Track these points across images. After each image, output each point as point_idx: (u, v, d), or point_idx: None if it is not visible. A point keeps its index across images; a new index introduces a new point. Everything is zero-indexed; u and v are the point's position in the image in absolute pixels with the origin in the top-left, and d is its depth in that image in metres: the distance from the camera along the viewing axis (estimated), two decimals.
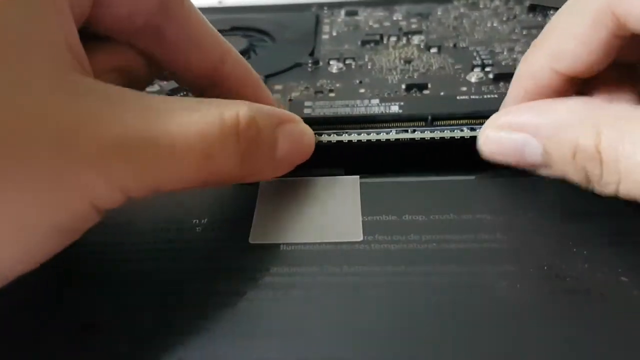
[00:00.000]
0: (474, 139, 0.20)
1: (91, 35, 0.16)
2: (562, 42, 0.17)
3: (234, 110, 0.15)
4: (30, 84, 0.12)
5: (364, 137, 0.20)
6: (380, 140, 0.20)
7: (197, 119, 0.14)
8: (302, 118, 0.22)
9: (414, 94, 0.26)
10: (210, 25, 0.18)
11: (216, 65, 0.18)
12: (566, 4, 0.18)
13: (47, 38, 0.13)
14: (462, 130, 0.20)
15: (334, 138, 0.20)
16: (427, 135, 0.20)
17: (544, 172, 0.17)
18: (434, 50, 0.31)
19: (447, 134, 0.20)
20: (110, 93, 0.13)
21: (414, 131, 0.20)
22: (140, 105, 0.14)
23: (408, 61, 0.29)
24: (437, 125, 0.22)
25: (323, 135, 0.20)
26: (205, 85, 0.19)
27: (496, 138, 0.17)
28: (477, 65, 0.28)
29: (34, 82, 0.12)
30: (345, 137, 0.20)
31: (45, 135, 0.12)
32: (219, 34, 0.18)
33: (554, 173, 0.16)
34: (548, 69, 0.17)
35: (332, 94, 0.27)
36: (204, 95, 0.19)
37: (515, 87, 0.18)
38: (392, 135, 0.20)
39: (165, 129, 0.13)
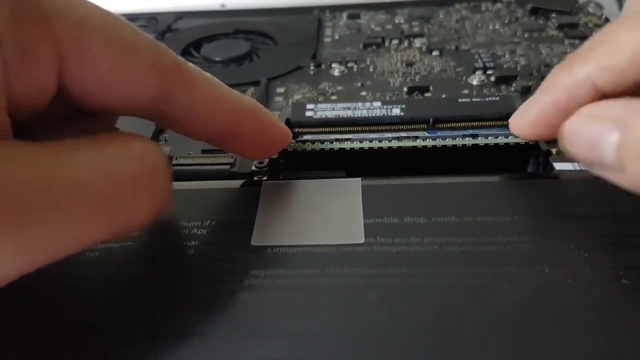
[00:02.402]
0: (476, 146, 0.20)
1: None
2: (614, 57, 0.15)
3: (152, 147, 0.14)
4: None
5: (366, 144, 0.20)
6: (382, 147, 0.20)
7: (101, 159, 0.13)
8: (304, 121, 0.22)
9: (415, 97, 0.26)
10: (222, 89, 0.16)
11: (232, 129, 0.17)
12: (623, 18, 0.16)
13: None
14: (463, 138, 0.20)
15: (336, 146, 0.20)
16: (429, 143, 0.20)
17: (615, 177, 0.15)
18: (435, 53, 0.31)
19: (449, 142, 0.20)
20: (5, 148, 0.11)
21: (415, 138, 0.20)
22: (39, 156, 0.12)
23: (410, 64, 0.30)
24: (439, 128, 0.22)
25: (325, 143, 0.20)
26: (218, 141, 0.17)
27: (574, 127, 0.16)
28: (479, 68, 0.28)
29: None
30: (347, 145, 0.20)
31: None
32: (233, 97, 0.17)
33: (626, 180, 0.15)
34: (589, 85, 0.16)
35: (334, 97, 0.27)
36: (219, 145, 0.18)
37: (544, 95, 0.17)
38: (394, 143, 0.20)
39: (64, 174, 0.12)
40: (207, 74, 0.16)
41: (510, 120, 0.18)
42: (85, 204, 0.12)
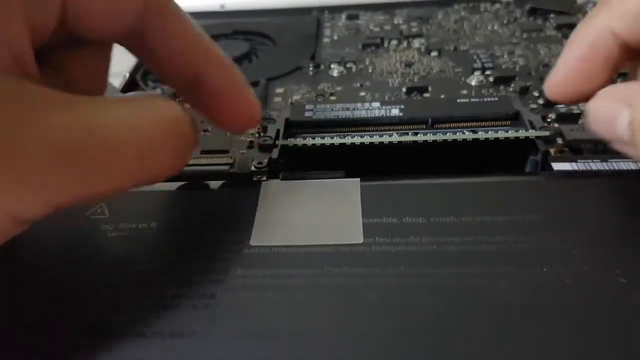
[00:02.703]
0: (476, 141, 0.20)
1: (70, 39, 0.16)
2: (628, 2, 0.16)
3: (170, 106, 0.15)
4: None
5: (366, 139, 0.20)
6: (382, 142, 0.20)
7: (130, 115, 0.14)
8: (303, 121, 0.22)
9: (414, 97, 0.26)
10: (198, 32, 0.17)
11: (196, 73, 0.17)
12: None
13: None
14: (463, 133, 0.20)
15: (336, 141, 0.20)
16: (429, 137, 0.20)
17: (631, 152, 0.16)
18: (434, 53, 0.31)
19: (449, 136, 0.20)
20: (40, 95, 0.13)
21: (415, 134, 0.20)
22: (72, 107, 0.13)
23: (409, 64, 0.30)
24: (438, 128, 0.22)
25: (326, 138, 0.20)
26: (187, 88, 0.18)
27: (594, 107, 0.17)
28: (478, 69, 0.28)
29: None
30: (348, 140, 0.20)
31: None
32: (206, 42, 0.17)
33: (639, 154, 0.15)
34: (609, 33, 0.16)
35: (333, 97, 0.27)
36: (188, 97, 0.18)
37: (569, 51, 0.18)
38: (394, 138, 0.20)
39: (98, 128, 0.13)
40: (191, 18, 0.17)
41: (545, 85, 0.18)
42: (118, 153, 0.13)
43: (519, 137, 0.20)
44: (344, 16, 0.37)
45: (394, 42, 0.33)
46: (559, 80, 0.18)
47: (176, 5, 0.17)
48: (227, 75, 0.18)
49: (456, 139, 0.20)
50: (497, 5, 0.37)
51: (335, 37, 0.34)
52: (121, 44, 0.17)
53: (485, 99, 0.23)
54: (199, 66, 0.17)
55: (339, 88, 0.28)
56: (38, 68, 0.14)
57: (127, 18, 0.16)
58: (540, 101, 0.25)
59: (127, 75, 0.29)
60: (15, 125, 0.12)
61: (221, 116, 0.18)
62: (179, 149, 0.15)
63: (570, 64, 0.17)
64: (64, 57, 0.16)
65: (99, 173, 0.13)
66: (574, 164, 0.19)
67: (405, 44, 0.32)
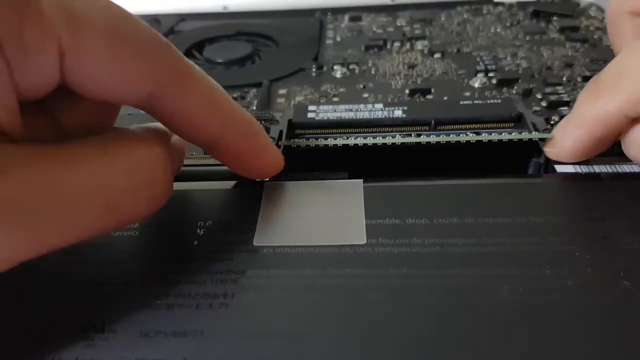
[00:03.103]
0: (479, 143, 0.20)
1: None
2: (636, 89, 0.16)
3: (152, 154, 0.14)
4: None
5: (369, 140, 0.20)
6: (385, 143, 0.20)
7: (101, 169, 0.13)
8: (306, 122, 0.22)
9: (417, 99, 0.26)
10: (217, 95, 0.16)
11: (216, 137, 0.16)
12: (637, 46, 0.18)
13: None
14: (466, 135, 0.20)
15: (339, 142, 0.20)
16: (433, 139, 0.20)
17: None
18: (437, 55, 0.31)
19: (452, 137, 0.20)
20: (9, 152, 0.12)
21: (418, 135, 0.20)
22: (39, 162, 0.12)
23: (412, 66, 0.30)
24: (441, 130, 0.22)
25: (329, 139, 0.20)
26: (208, 149, 0.17)
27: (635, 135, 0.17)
28: (481, 71, 0.28)
29: None
30: (350, 141, 0.20)
31: None
32: (225, 104, 0.16)
33: None
34: (622, 116, 0.17)
35: (335, 99, 0.27)
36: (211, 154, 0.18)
37: (578, 131, 0.18)
38: (397, 139, 0.20)
39: (63, 185, 0.12)
40: (208, 77, 0.16)
41: (547, 150, 0.19)
42: (84, 209, 0.13)
43: (522, 139, 0.20)
44: (346, 18, 0.37)
45: (397, 43, 0.33)
46: (567, 152, 0.19)
47: (194, 68, 0.15)
48: (247, 137, 0.17)
49: (459, 141, 0.20)
50: (500, 8, 0.37)
51: (338, 39, 0.34)
52: (135, 106, 0.16)
53: (488, 101, 0.23)
54: (218, 130, 0.16)
55: (341, 89, 0.28)
56: (27, 111, 0.13)
57: (135, 96, 0.15)
58: (544, 103, 0.25)
59: None
60: None
61: (244, 172, 0.18)
62: (154, 196, 0.15)
63: (579, 139, 0.18)
64: (62, 110, 0.15)
65: (60, 227, 0.13)
66: (577, 166, 0.19)
67: (408, 45, 0.33)
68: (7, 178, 0.12)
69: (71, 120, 0.15)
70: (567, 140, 0.19)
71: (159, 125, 0.16)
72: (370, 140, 0.20)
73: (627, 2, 0.20)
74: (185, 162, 0.20)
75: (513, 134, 0.20)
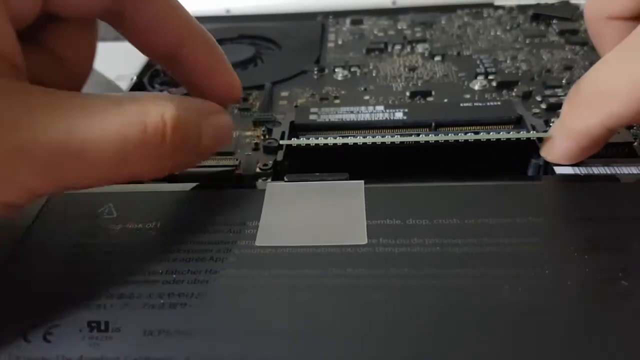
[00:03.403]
0: (478, 142, 0.20)
1: (53, 17, 0.16)
2: (615, 104, 0.17)
3: (159, 112, 0.15)
4: None
5: (369, 139, 0.20)
6: (385, 142, 0.20)
7: (117, 122, 0.14)
8: (308, 124, 0.22)
9: (418, 101, 0.27)
10: (178, 5, 0.18)
11: (177, 46, 0.18)
12: (615, 53, 0.18)
13: None
14: (465, 135, 0.20)
15: (339, 141, 0.20)
16: (432, 138, 0.20)
17: None
18: (437, 58, 0.31)
19: (451, 137, 0.20)
20: (27, 95, 0.14)
21: (418, 134, 0.21)
22: (56, 107, 0.14)
23: (412, 69, 0.30)
24: (441, 132, 0.22)
25: (329, 138, 0.21)
26: (169, 62, 0.19)
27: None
28: (481, 73, 0.29)
29: None
30: (350, 140, 0.20)
31: None
32: (186, 16, 0.18)
33: None
34: (604, 129, 0.18)
35: (337, 101, 0.27)
36: (170, 71, 0.19)
37: (566, 144, 0.19)
38: (397, 138, 0.20)
39: (78, 133, 0.13)
40: None
41: (543, 154, 0.20)
42: (96, 158, 0.14)
43: (520, 139, 0.20)
44: (348, 21, 0.38)
45: (398, 46, 0.33)
46: (559, 157, 0.19)
47: None
48: (207, 49, 0.19)
49: (458, 140, 0.20)
50: (500, 11, 0.38)
51: (340, 42, 0.35)
52: (102, 19, 0.17)
53: (488, 104, 0.23)
54: (179, 39, 0.18)
55: (343, 92, 0.28)
56: (24, 47, 0.14)
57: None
58: (543, 106, 0.25)
59: (135, 77, 0.30)
60: None
61: (202, 88, 0.19)
62: (163, 155, 0.15)
63: (568, 149, 0.19)
64: (49, 35, 0.16)
65: (73, 173, 0.14)
66: (576, 167, 0.19)
67: (409, 48, 0.33)
68: (25, 124, 0.13)
69: (61, 47, 0.16)
70: (559, 149, 0.19)
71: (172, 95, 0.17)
72: (369, 140, 0.20)
73: (604, 6, 0.20)
74: None
75: (511, 132, 0.20)
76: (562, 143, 0.19)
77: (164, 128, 0.15)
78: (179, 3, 0.18)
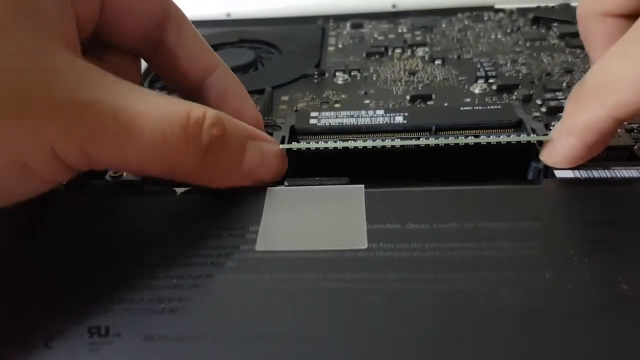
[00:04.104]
0: (478, 146, 0.20)
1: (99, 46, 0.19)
2: (623, 93, 0.17)
3: (202, 109, 0.16)
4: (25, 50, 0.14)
5: (369, 143, 0.20)
6: (385, 146, 0.20)
7: (163, 106, 0.15)
8: (308, 129, 0.22)
9: (418, 105, 0.27)
10: (203, 40, 0.20)
11: (205, 75, 0.20)
12: (619, 46, 0.18)
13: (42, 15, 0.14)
14: (466, 137, 0.20)
15: (339, 144, 0.20)
16: (432, 141, 0.20)
17: None
18: (438, 62, 0.31)
19: (451, 140, 0.20)
20: (88, 68, 0.15)
21: (418, 137, 0.21)
22: (114, 83, 0.15)
23: (412, 73, 0.30)
24: (441, 136, 0.22)
25: (329, 142, 0.21)
26: (195, 93, 0.20)
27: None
28: (481, 77, 0.29)
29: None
30: (351, 144, 0.20)
31: (21, 87, 0.13)
32: (211, 50, 0.21)
33: None
34: (612, 120, 0.17)
35: (337, 105, 0.27)
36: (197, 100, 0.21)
37: (572, 139, 0.18)
38: (397, 142, 0.20)
39: (130, 106, 0.15)
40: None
41: (543, 158, 0.20)
42: (141, 136, 0.15)
43: (520, 142, 0.20)
44: (348, 25, 0.38)
45: (398, 50, 0.33)
46: (563, 160, 0.19)
47: (186, 18, 0.20)
48: (234, 79, 0.21)
49: (458, 143, 0.20)
50: (501, 14, 0.38)
51: (340, 46, 0.35)
52: (142, 52, 0.20)
53: (488, 107, 0.23)
54: (209, 68, 0.20)
55: (343, 96, 0.28)
56: None
57: (150, 19, 0.19)
58: (543, 109, 0.25)
59: None
60: (58, 81, 0.14)
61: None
62: (208, 152, 0.16)
63: (573, 148, 0.19)
64: (100, 56, 0.18)
65: (122, 142, 0.15)
66: (576, 171, 0.19)
67: (409, 52, 0.33)
68: (85, 85, 0.14)
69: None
70: (561, 149, 0.19)
71: None
72: (369, 143, 0.20)
73: (597, 3, 0.20)
74: None
75: (512, 136, 0.20)
76: (564, 142, 0.19)
77: (203, 121, 0.16)
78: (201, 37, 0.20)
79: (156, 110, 0.15)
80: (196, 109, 0.16)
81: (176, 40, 0.19)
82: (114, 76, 0.15)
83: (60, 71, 0.14)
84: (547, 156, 0.19)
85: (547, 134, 0.20)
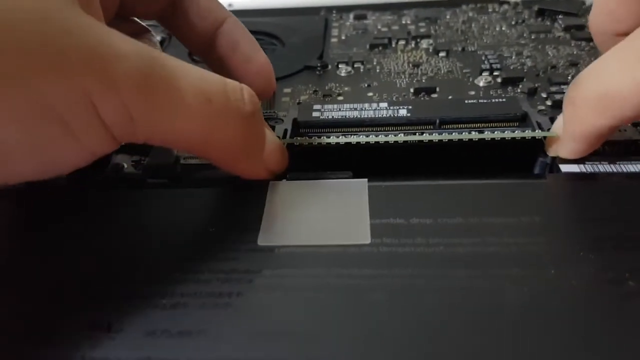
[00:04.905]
0: (482, 141, 0.20)
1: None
2: (625, 110, 0.17)
3: (237, 82, 0.16)
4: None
5: (372, 138, 0.20)
6: (388, 142, 0.20)
7: (199, 71, 0.15)
8: (311, 121, 0.22)
9: (422, 98, 0.26)
10: None
11: (217, 26, 0.21)
12: (614, 54, 0.18)
13: None
14: (470, 133, 0.20)
15: (342, 140, 0.20)
16: (435, 137, 0.20)
17: None
18: (442, 54, 0.31)
19: (455, 136, 0.20)
20: (118, 32, 0.14)
21: (422, 134, 0.20)
22: (148, 47, 0.14)
23: (416, 65, 0.30)
24: (445, 129, 0.22)
25: (332, 137, 0.20)
26: (208, 45, 0.21)
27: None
28: (486, 69, 0.28)
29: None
30: (353, 139, 0.20)
31: (74, 49, 0.13)
32: (219, 2, 0.22)
33: None
34: (612, 129, 0.18)
35: (340, 98, 0.27)
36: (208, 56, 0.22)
37: (574, 144, 0.19)
38: (400, 137, 0.20)
39: (169, 66, 0.14)
40: None
41: (551, 153, 0.20)
42: (181, 105, 0.15)
43: (525, 138, 0.20)
44: (351, 16, 0.37)
45: (402, 42, 0.33)
46: (568, 155, 0.19)
47: None
48: (242, 29, 0.22)
49: (462, 139, 0.20)
50: (505, 6, 0.37)
51: (343, 37, 0.34)
52: (161, 16, 0.21)
53: (493, 100, 0.23)
54: (220, 19, 0.21)
55: (346, 88, 0.28)
56: None
57: None
58: (549, 102, 0.25)
59: None
60: (107, 45, 0.13)
61: (240, 72, 0.21)
62: (248, 121, 0.16)
63: (577, 151, 0.19)
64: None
65: (168, 104, 0.14)
66: (581, 166, 0.19)
67: (413, 44, 0.32)
68: (115, 43, 0.14)
69: None
70: (565, 153, 0.19)
71: None
72: (373, 139, 0.20)
73: (609, 26, 0.19)
74: (191, 162, 0.21)
75: (517, 132, 0.20)
76: (568, 147, 0.19)
77: (241, 89, 0.16)
78: None
79: (194, 73, 0.15)
80: (230, 80, 0.16)
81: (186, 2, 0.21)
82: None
83: (89, 26, 0.13)
84: (553, 152, 0.20)
85: (549, 130, 0.20)
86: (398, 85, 0.28)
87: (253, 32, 0.35)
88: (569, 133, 0.19)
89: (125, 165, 0.21)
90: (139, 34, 0.22)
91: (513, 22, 0.35)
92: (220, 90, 0.16)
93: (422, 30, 0.34)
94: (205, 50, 0.22)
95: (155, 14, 0.21)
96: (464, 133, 0.20)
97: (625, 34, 0.19)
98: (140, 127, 0.14)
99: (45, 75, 0.12)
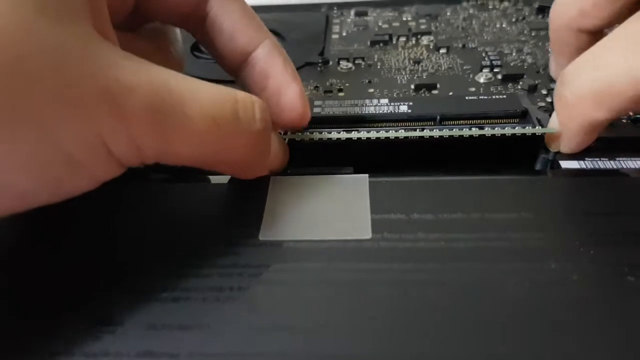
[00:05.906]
0: (482, 137, 0.20)
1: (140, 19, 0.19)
2: (622, 105, 0.17)
3: (247, 94, 0.16)
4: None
5: (373, 134, 0.20)
6: (389, 137, 0.20)
7: (210, 90, 0.15)
8: (312, 117, 0.22)
9: (422, 94, 0.26)
10: (249, 13, 0.20)
11: (249, 50, 0.19)
12: (605, 45, 0.18)
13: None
14: (470, 129, 0.20)
15: (343, 135, 0.20)
16: (436, 133, 0.20)
17: None
18: (443, 50, 0.31)
19: (455, 132, 0.20)
20: (127, 57, 0.14)
21: (422, 130, 0.20)
22: (157, 70, 0.14)
23: (417, 61, 0.30)
24: (446, 126, 0.22)
25: (332, 133, 0.20)
26: (238, 69, 0.20)
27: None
28: (486, 66, 0.28)
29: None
30: (354, 135, 0.20)
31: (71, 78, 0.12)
32: (258, 23, 0.20)
33: None
34: (610, 120, 0.18)
35: (341, 94, 0.27)
36: (240, 78, 0.20)
37: (574, 137, 0.19)
38: (401, 133, 0.20)
39: (176, 92, 0.14)
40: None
41: (553, 148, 0.20)
42: (190, 114, 0.14)
43: (525, 134, 0.20)
44: (352, 12, 0.37)
45: (403, 38, 0.33)
46: (567, 150, 0.20)
47: None
48: (278, 58, 0.20)
49: (462, 135, 0.20)
50: (506, 3, 0.37)
51: (344, 33, 0.34)
52: (186, 25, 0.20)
53: (493, 97, 0.23)
54: (253, 43, 0.19)
55: (347, 84, 0.28)
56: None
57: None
58: (549, 99, 0.25)
59: None
60: (104, 67, 0.13)
61: (270, 102, 0.19)
62: (257, 137, 0.16)
63: (579, 145, 0.19)
64: (133, 41, 0.18)
65: (174, 124, 0.14)
66: (582, 162, 0.19)
67: (413, 40, 0.32)
68: (128, 67, 0.13)
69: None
70: (566, 149, 0.20)
71: None
72: (374, 135, 0.20)
73: (574, 20, 0.20)
74: None
75: (517, 128, 0.20)
76: (568, 143, 0.19)
77: (252, 105, 0.16)
78: (252, 10, 0.19)
79: (204, 95, 0.15)
80: (241, 94, 0.16)
81: (219, 13, 0.19)
82: (153, 64, 0.14)
83: (99, 56, 0.13)
84: (555, 148, 0.20)
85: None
86: (399, 81, 0.28)
87: None
88: (566, 128, 0.19)
89: None
90: (158, 33, 0.20)
91: (513, 19, 0.35)
92: (230, 111, 0.15)
93: (422, 26, 0.34)
94: (235, 72, 0.20)
95: (177, 21, 0.20)
96: (464, 129, 0.20)
97: (589, 32, 0.19)
98: (149, 155, 0.14)
99: (58, 116, 0.12)
